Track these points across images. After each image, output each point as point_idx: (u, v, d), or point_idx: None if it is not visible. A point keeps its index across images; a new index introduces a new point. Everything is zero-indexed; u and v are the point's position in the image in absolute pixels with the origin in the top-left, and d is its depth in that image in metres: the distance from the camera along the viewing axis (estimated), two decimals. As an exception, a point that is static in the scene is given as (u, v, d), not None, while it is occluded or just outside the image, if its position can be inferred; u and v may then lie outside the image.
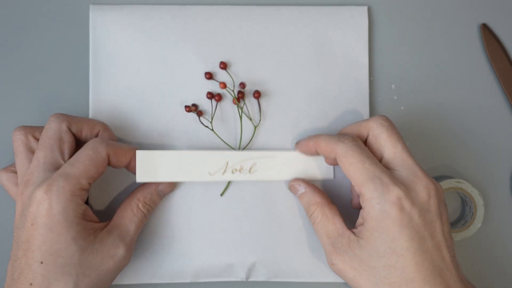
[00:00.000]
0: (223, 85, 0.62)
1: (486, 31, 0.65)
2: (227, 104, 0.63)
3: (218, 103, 0.63)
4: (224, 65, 0.62)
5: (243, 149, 0.62)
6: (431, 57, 0.66)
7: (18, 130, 0.56)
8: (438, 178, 0.65)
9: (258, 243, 0.62)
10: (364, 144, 0.56)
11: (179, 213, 0.62)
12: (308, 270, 0.62)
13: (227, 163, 0.59)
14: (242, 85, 0.62)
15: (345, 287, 0.64)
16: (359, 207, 0.57)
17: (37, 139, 0.56)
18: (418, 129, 0.65)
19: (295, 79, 0.63)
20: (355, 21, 0.64)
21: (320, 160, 0.61)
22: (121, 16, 0.63)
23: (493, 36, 0.65)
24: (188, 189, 0.62)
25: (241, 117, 0.63)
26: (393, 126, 0.55)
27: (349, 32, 0.64)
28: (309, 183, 0.60)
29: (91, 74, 0.63)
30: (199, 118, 0.62)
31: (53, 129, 0.55)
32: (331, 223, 0.56)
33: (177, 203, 0.62)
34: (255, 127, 0.63)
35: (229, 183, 0.62)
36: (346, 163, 0.53)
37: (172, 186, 0.61)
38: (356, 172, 0.52)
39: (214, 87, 0.63)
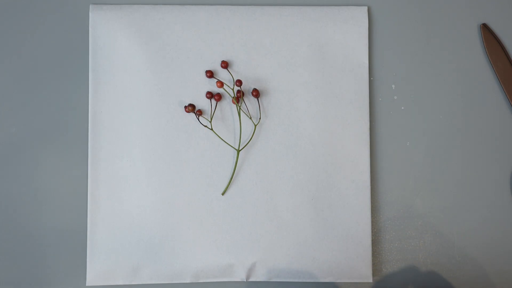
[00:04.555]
0: (220, 84, 0.62)
1: (486, 31, 0.65)
2: (227, 103, 0.63)
3: (218, 102, 0.63)
4: (225, 64, 0.62)
5: (243, 148, 0.62)
6: (431, 57, 0.66)
7: None
8: (438, 178, 0.65)
9: (259, 243, 0.62)
10: None
11: (179, 213, 0.62)
12: (308, 270, 0.62)
13: None
14: (239, 82, 0.62)
15: (345, 287, 0.64)
16: None
17: None
18: (418, 129, 0.65)
19: (295, 78, 0.63)
20: (355, 21, 0.64)
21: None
22: (121, 16, 0.63)
23: (493, 36, 0.65)
24: (189, 188, 0.62)
25: (239, 114, 0.62)
26: None
27: (349, 32, 0.64)
28: None
29: (91, 74, 0.63)
30: (197, 118, 0.62)
31: None
32: None
33: (177, 202, 0.62)
34: (255, 125, 0.63)
35: (230, 181, 0.62)
36: None
37: None
38: None
39: (213, 87, 0.63)
